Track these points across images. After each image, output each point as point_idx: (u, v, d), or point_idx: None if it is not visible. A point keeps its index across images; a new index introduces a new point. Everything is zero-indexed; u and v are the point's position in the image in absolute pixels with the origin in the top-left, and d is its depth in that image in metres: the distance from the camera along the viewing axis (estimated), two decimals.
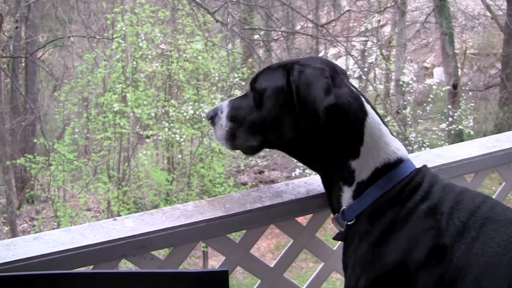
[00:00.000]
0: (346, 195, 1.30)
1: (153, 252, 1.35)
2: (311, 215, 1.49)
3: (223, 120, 1.38)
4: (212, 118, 1.40)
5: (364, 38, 15.96)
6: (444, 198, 1.21)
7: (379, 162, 1.27)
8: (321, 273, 1.55)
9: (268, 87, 1.33)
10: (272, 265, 1.48)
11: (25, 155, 10.30)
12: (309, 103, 1.23)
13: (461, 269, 1.11)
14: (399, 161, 1.28)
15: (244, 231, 1.43)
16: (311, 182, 1.51)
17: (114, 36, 9.94)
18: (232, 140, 1.38)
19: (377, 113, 1.32)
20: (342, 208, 1.31)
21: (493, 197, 1.81)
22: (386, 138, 1.29)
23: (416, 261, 1.15)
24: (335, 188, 1.32)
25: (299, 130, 1.26)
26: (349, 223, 1.29)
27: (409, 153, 1.37)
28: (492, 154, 1.73)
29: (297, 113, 1.25)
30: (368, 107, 1.30)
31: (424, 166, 1.32)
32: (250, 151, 1.39)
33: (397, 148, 1.30)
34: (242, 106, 1.38)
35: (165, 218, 1.36)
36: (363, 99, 1.31)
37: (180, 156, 10.93)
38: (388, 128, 1.32)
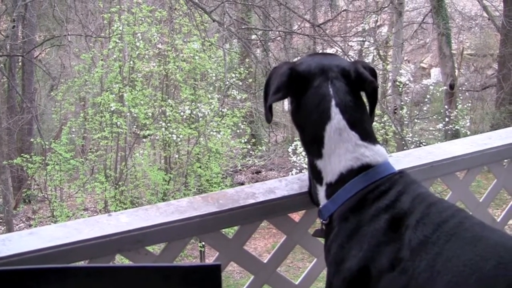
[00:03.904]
0: (321, 194, 1.33)
1: (147, 248, 1.37)
2: (304, 211, 1.51)
3: None
4: None
5: (361, 38, 15.98)
6: (412, 210, 1.19)
7: (342, 167, 1.29)
8: (314, 269, 1.57)
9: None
10: (265, 261, 1.49)
11: (22, 154, 10.30)
12: (265, 99, 1.39)
13: (423, 285, 1.09)
14: (365, 167, 1.28)
15: (238, 226, 1.44)
16: (304, 178, 1.53)
17: (111, 35, 9.95)
18: None
19: (351, 118, 1.30)
20: (319, 207, 1.35)
21: (485, 194, 1.84)
22: (349, 144, 1.29)
23: (378, 269, 1.15)
24: (312, 184, 1.38)
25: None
26: (324, 222, 1.33)
27: None
28: (484, 152, 1.75)
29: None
30: (335, 112, 1.30)
31: (400, 172, 1.31)
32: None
33: (364, 154, 1.28)
34: None
35: (160, 213, 1.37)
36: (333, 102, 1.30)
37: (177, 155, 10.94)
38: (360, 132, 1.31)
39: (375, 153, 1.31)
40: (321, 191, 1.33)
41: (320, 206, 1.34)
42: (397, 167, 1.60)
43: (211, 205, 1.39)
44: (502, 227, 1.91)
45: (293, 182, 1.50)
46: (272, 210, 1.44)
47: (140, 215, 1.37)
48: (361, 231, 1.21)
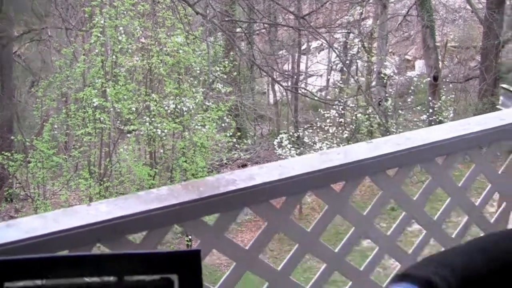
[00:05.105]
0: None
1: (128, 236, 1.35)
2: (284, 198, 1.50)
3: None
4: None
5: (346, 31, 16.02)
6: None
7: None
8: (295, 255, 1.57)
9: None
10: (247, 248, 1.49)
11: (2, 152, 10.16)
12: None
13: None
14: None
15: (218, 214, 1.44)
16: (285, 165, 1.53)
17: (92, 29, 9.86)
18: None
19: None
20: None
21: (463, 179, 1.84)
22: None
23: None
24: None
25: None
26: None
27: None
28: (462, 137, 1.75)
29: None
30: None
31: None
32: None
33: None
34: None
35: (140, 202, 1.36)
36: None
37: (162, 150, 10.89)
38: None
39: None
40: None
41: None
42: (376, 152, 1.61)
43: (192, 193, 1.38)
44: (480, 211, 1.93)
45: (274, 169, 1.50)
46: (253, 196, 1.44)
47: (120, 204, 1.36)
48: None
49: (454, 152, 1.78)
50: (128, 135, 11.13)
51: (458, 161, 1.86)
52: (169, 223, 1.37)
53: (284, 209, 1.51)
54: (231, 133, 11.52)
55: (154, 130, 9.97)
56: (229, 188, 1.40)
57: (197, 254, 1.14)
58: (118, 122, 10.92)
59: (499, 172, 1.93)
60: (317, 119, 13.77)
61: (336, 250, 1.65)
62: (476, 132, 1.79)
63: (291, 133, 12.89)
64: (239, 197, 1.41)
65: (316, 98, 13.12)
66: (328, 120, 13.30)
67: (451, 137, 1.74)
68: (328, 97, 16.11)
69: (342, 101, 14.07)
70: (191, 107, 10.39)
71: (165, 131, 10.10)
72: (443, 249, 1.95)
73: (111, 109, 9.97)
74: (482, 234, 2.00)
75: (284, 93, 13.48)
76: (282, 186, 1.46)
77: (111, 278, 1.19)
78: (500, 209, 2.02)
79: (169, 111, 10.48)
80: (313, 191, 1.55)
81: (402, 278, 0.98)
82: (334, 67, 18.50)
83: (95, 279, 1.17)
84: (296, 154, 11.57)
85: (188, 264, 1.14)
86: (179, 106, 10.40)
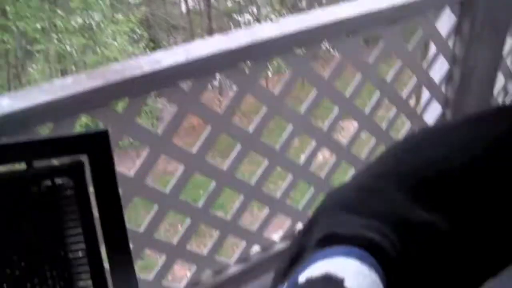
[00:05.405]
0: None
1: (35, 130, 1.32)
2: (191, 80, 1.50)
3: None
4: None
5: None
6: None
7: None
8: (210, 136, 1.60)
9: None
10: (159, 133, 1.50)
11: None
12: None
13: None
14: None
15: (127, 100, 1.42)
16: (190, 48, 1.51)
17: None
18: None
19: None
20: None
21: (372, 55, 1.88)
22: None
23: None
24: None
25: None
26: None
27: None
28: (371, 13, 1.75)
29: None
30: None
31: None
32: None
33: None
34: None
35: (43, 93, 1.32)
36: None
37: (74, 67, 10.44)
38: None
39: None
40: None
41: None
42: (284, 31, 1.61)
43: (97, 80, 1.34)
44: (392, 86, 1.99)
45: (180, 52, 1.48)
46: (160, 80, 1.42)
47: (23, 97, 1.32)
48: None
49: (363, 28, 1.79)
50: (37, 54, 10.53)
51: (366, 36, 1.86)
52: (76, 111, 1.34)
53: (192, 92, 1.51)
54: (144, 45, 11.14)
55: (64, 47, 9.51)
56: (135, 72, 1.37)
57: (105, 133, 1.14)
58: (24, 41, 10.28)
59: (409, 50, 1.98)
60: (232, 24, 13.54)
61: (250, 131, 1.69)
62: (383, 9, 1.80)
63: None
64: (146, 81, 1.40)
65: (229, 3, 12.85)
66: (243, 26, 13.13)
67: (359, 13, 1.74)
68: (242, 2, 15.80)
69: (256, 4, 13.87)
70: (99, 21, 9.91)
71: (75, 47, 9.65)
72: (356, 124, 2.01)
73: (14, 28, 9.37)
74: (394, 110, 2.08)
75: (196, 1, 13.09)
76: (189, 68, 1.45)
77: (20, 165, 1.17)
78: (411, 83, 2.09)
79: (77, 27, 9.96)
80: (221, 72, 1.56)
81: (332, 240, 0.83)
82: None
83: (3, 168, 1.15)
84: None
85: (97, 144, 1.14)
86: (87, 21, 9.90)
